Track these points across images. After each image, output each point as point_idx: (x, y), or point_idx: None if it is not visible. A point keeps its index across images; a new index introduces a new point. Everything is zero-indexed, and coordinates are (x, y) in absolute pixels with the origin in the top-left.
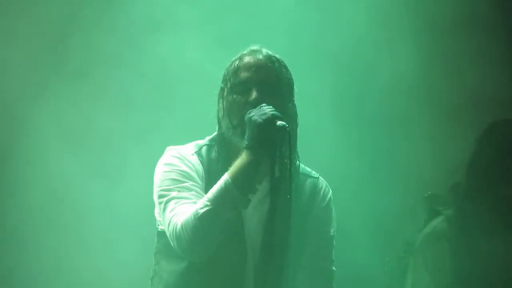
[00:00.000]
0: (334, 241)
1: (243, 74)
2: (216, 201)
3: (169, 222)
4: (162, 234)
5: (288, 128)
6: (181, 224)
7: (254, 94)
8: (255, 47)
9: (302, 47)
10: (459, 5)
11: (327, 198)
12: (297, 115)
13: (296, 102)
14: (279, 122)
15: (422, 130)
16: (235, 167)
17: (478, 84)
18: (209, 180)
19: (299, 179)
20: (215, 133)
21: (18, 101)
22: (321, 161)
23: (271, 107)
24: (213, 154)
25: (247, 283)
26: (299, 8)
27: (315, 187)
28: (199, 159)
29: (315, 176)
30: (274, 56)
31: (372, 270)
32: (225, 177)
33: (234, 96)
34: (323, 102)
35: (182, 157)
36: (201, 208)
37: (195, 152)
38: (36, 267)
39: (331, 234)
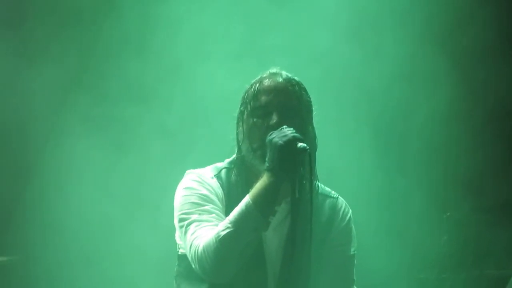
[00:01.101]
0: (354, 260)
1: (263, 98)
2: (238, 223)
3: (191, 245)
4: (182, 257)
5: (308, 150)
6: (203, 247)
7: (275, 118)
8: (274, 70)
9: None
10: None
11: (347, 218)
12: (316, 137)
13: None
14: (300, 144)
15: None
16: (256, 189)
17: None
18: (229, 203)
19: (318, 200)
20: (234, 155)
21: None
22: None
23: (291, 129)
24: (233, 177)
25: None
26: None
27: (335, 207)
28: (219, 182)
29: (335, 196)
30: (294, 79)
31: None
32: (246, 199)
33: (255, 119)
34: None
35: (201, 180)
36: (223, 230)
37: (215, 176)
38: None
39: (351, 253)
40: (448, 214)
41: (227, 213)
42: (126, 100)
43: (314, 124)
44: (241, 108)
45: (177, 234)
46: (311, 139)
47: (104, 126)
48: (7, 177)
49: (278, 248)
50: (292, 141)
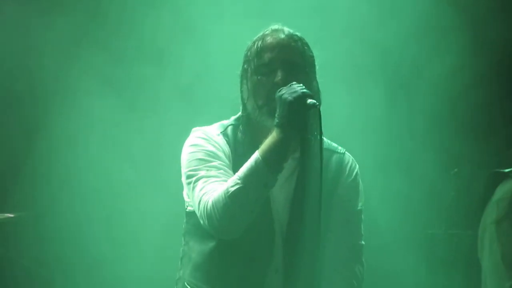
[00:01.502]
0: (362, 215)
1: (267, 55)
2: (247, 179)
3: (200, 200)
4: (190, 214)
5: (318, 106)
6: (212, 202)
7: (279, 75)
8: (276, 26)
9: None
10: None
11: (354, 173)
12: (320, 92)
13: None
14: (309, 100)
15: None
16: (265, 145)
17: None
18: (236, 160)
19: (324, 156)
20: (240, 113)
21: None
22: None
23: (301, 85)
24: (239, 134)
25: (275, 261)
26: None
27: (341, 163)
28: (225, 139)
29: (341, 151)
30: (296, 34)
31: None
32: (256, 155)
33: (259, 77)
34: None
35: (207, 137)
36: (232, 186)
37: (221, 133)
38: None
39: (358, 208)
40: (456, 170)
41: (234, 170)
42: (140, 59)
43: (320, 79)
44: (245, 66)
45: (185, 191)
46: (316, 94)
47: (117, 85)
48: (16, 133)
49: (285, 205)
50: (302, 97)
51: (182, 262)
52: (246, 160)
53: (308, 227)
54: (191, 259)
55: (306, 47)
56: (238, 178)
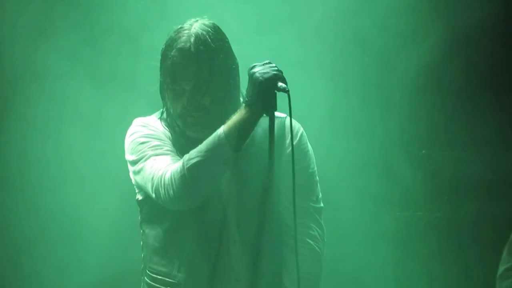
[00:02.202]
0: (316, 177)
1: (177, 79)
2: (207, 154)
3: (153, 176)
4: (142, 203)
5: (288, 91)
6: (171, 173)
7: (185, 101)
8: (186, 34)
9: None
10: None
11: (298, 135)
12: (240, 92)
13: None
14: (280, 84)
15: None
16: (231, 122)
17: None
18: (175, 142)
19: (265, 123)
20: None
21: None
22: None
23: (274, 65)
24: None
25: (231, 232)
26: None
27: (283, 127)
28: (164, 123)
29: (283, 117)
30: (203, 49)
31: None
32: (220, 131)
33: (173, 89)
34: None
35: (146, 124)
36: (192, 159)
37: (159, 118)
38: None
39: (310, 171)
40: (424, 151)
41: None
42: (113, 39)
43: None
44: (162, 71)
45: (133, 178)
46: (234, 100)
47: (90, 66)
48: None
49: (232, 177)
50: (273, 79)
51: (143, 251)
52: (184, 140)
53: (259, 195)
54: (148, 246)
55: (216, 57)
56: (199, 150)
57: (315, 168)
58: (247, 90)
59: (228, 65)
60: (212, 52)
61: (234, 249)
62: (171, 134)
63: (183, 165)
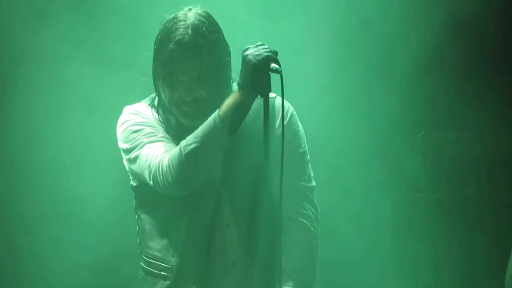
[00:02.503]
0: (307, 157)
1: (172, 68)
2: (204, 139)
3: (150, 163)
4: (137, 188)
5: (280, 71)
6: (169, 159)
7: (183, 93)
8: (182, 22)
9: None
10: None
11: (289, 114)
12: (231, 79)
13: None
14: (272, 65)
15: None
16: (225, 106)
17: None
18: (168, 129)
19: (254, 105)
20: None
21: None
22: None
23: (267, 47)
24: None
25: (225, 216)
26: None
27: (274, 107)
28: (154, 109)
29: (272, 97)
30: (199, 40)
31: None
32: (215, 115)
33: (169, 78)
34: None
35: (137, 112)
36: (189, 145)
37: (149, 105)
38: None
39: (301, 150)
40: (423, 133)
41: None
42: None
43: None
44: (153, 58)
45: (128, 166)
46: (228, 87)
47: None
48: None
49: (233, 165)
50: (266, 60)
51: (139, 236)
52: (177, 127)
53: (252, 178)
54: (145, 231)
55: (212, 48)
56: (195, 137)
57: (306, 148)
58: (240, 72)
59: (223, 57)
60: (209, 44)
61: (229, 233)
62: (162, 121)
63: (180, 151)
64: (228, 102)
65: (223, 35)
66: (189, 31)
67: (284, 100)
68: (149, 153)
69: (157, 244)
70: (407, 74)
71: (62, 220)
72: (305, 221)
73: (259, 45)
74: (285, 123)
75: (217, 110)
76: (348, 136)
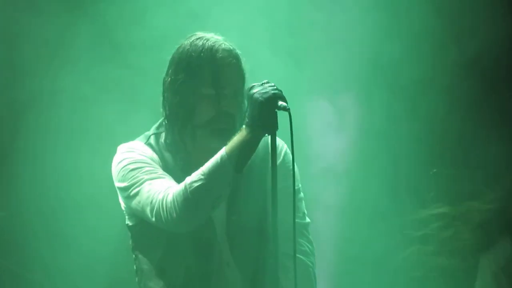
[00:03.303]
0: (300, 194)
1: (214, 70)
2: (211, 176)
3: (152, 199)
4: (133, 228)
5: (289, 109)
6: (173, 196)
7: (227, 95)
8: (217, 37)
9: None
10: None
11: (283, 153)
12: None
13: None
14: (280, 103)
15: None
16: (232, 143)
17: None
18: (165, 166)
19: None
20: (160, 120)
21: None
22: None
23: (273, 85)
24: (161, 141)
25: (224, 255)
26: None
27: (266, 144)
28: (151, 148)
29: (266, 135)
30: (235, 51)
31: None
32: (222, 152)
33: (203, 92)
34: None
35: (134, 149)
36: (195, 182)
37: (145, 143)
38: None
39: (296, 188)
40: (435, 170)
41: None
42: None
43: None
44: (180, 75)
45: (125, 204)
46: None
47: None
48: None
49: (230, 205)
50: (273, 98)
51: (137, 275)
52: (174, 165)
53: (251, 217)
54: (143, 271)
55: (242, 63)
56: (202, 173)
57: (300, 185)
58: (247, 111)
59: (245, 79)
60: (240, 62)
61: (229, 272)
62: (160, 158)
63: (185, 188)
64: (235, 139)
65: None
66: (225, 46)
67: (278, 139)
68: (150, 189)
69: (155, 285)
70: (421, 112)
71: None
72: (302, 257)
73: (265, 83)
74: (279, 161)
75: (224, 148)
76: (362, 174)
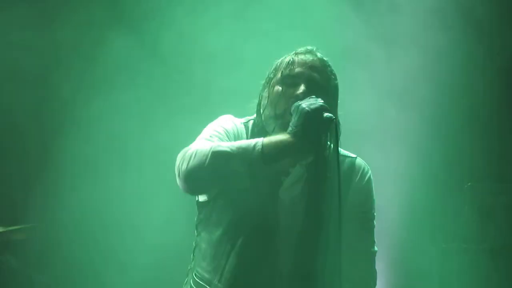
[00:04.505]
0: (375, 222)
1: (297, 69)
2: (238, 151)
3: (186, 149)
4: (202, 205)
5: (335, 120)
6: (195, 149)
7: (302, 89)
8: (310, 48)
9: None
10: None
11: (366, 177)
12: (339, 124)
13: None
14: (326, 114)
15: None
16: (272, 138)
17: None
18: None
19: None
20: (254, 115)
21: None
22: None
23: (320, 99)
24: (256, 130)
25: (281, 263)
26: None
27: (353, 166)
28: (245, 129)
29: (353, 156)
30: (327, 61)
31: None
32: (260, 139)
33: (283, 87)
34: None
35: (230, 121)
36: (221, 146)
37: (243, 123)
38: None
39: (370, 216)
40: (469, 184)
41: None
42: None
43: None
44: (271, 75)
45: None
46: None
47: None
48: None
49: (291, 210)
50: (320, 109)
51: (194, 253)
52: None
53: (324, 236)
54: (201, 250)
55: (333, 75)
56: (232, 145)
57: (375, 213)
58: (292, 121)
59: (336, 88)
60: (331, 68)
61: (279, 282)
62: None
63: (210, 147)
64: (276, 137)
65: None
66: (318, 54)
67: (364, 162)
68: (195, 143)
69: (208, 265)
70: (455, 123)
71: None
72: (364, 286)
73: (311, 97)
74: (362, 184)
75: (263, 138)
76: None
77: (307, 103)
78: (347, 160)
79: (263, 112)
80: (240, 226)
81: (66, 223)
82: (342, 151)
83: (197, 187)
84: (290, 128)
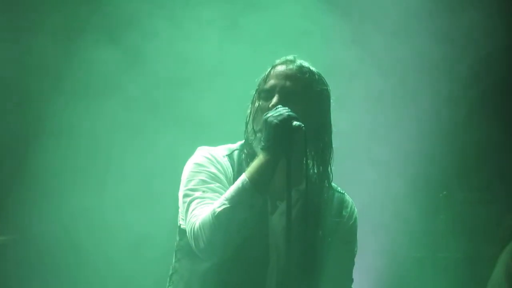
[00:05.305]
0: (355, 260)
1: (271, 82)
2: (234, 200)
3: (188, 222)
4: (184, 232)
5: (304, 128)
6: (199, 224)
7: (274, 101)
8: (290, 57)
9: None
10: None
11: (354, 216)
12: (330, 125)
13: None
14: (295, 123)
15: None
16: (252, 167)
17: None
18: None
19: (328, 193)
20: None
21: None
22: None
23: (287, 108)
24: (243, 159)
25: (269, 286)
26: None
27: (342, 203)
28: (230, 162)
29: (342, 191)
30: (306, 67)
31: None
32: (243, 177)
33: (260, 102)
34: None
35: (212, 158)
36: (219, 207)
37: (227, 155)
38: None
39: (354, 252)
40: (445, 193)
41: None
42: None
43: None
44: (254, 92)
45: (180, 209)
46: (324, 126)
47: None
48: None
49: (281, 234)
50: (287, 119)
51: (171, 279)
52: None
53: (306, 262)
54: (182, 278)
55: (315, 81)
56: (225, 199)
57: (356, 250)
58: (263, 136)
59: (322, 92)
60: (311, 74)
61: None
62: (238, 171)
63: (210, 215)
64: (254, 163)
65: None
66: (296, 62)
67: (348, 197)
68: (194, 209)
69: None
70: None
71: None
72: None
73: (278, 108)
74: (350, 223)
75: (244, 173)
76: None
77: (274, 115)
78: (336, 194)
79: (249, 130)
80: (233, 260)
81: (44, 232)
82: (331, 183)
83: (226, 250)
84: (262, 143)
